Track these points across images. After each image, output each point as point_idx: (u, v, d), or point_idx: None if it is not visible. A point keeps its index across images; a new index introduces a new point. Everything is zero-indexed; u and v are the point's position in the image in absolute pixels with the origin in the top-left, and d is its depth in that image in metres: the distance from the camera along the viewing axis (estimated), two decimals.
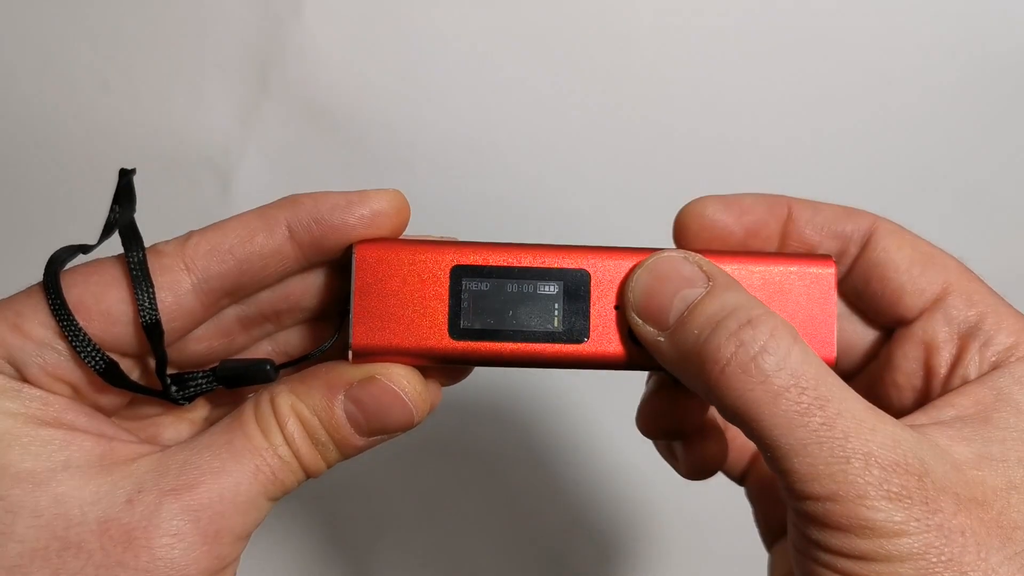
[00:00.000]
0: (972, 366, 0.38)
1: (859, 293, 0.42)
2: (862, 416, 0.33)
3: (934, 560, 0.31)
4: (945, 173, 0.70)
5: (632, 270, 0.39)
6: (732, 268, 0.39)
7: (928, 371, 0.40)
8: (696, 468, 0.46)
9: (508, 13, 0.68)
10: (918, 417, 0.36)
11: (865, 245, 0.42)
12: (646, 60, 0.69)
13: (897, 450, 0.32)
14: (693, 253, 0.39)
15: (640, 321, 0.38)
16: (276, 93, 0.69)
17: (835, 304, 0.40)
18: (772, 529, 0.48)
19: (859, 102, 0.69)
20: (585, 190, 0.70)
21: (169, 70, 0.68)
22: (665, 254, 0.39)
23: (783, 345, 0.34)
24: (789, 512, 0.35)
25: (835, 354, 0.40)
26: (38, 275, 0.36)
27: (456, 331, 0.39)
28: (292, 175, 0.69)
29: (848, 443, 0.32)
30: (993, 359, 0.38)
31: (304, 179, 0.67)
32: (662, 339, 0.37)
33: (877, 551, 0.31)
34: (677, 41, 0.69)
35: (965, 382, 0.38)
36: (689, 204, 0.43)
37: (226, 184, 0.69)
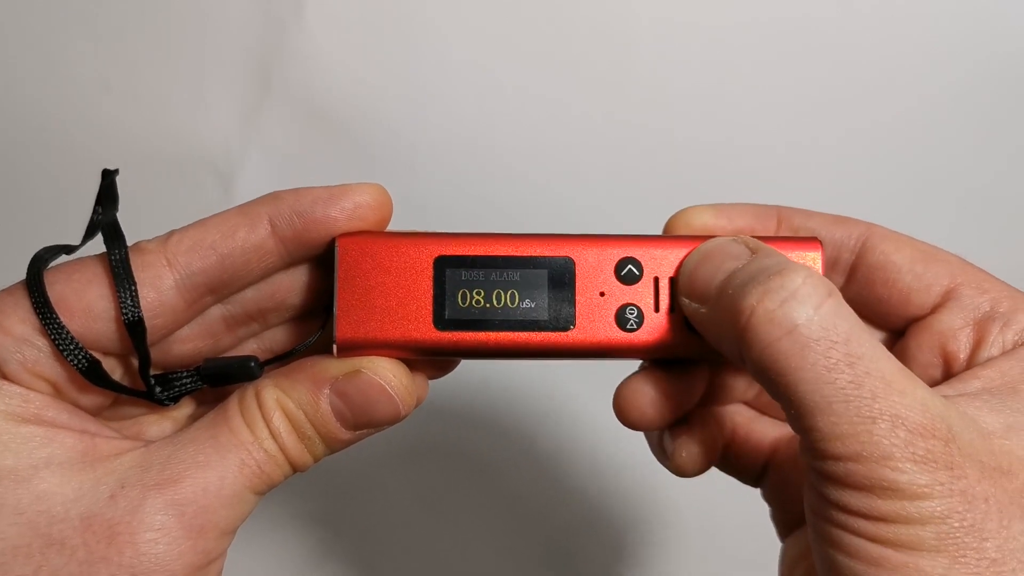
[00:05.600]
0: (995, 347, 0.38)
1: (864, 299, 0.42)
2: (892, 377, 0.32)
3: (956, 525, 0.31)
4: (946, 177, 0.70)
5: (621, 260, 0.39)
6: None
7: (946, 358, 0.40)
8: (685, 461, 0.44)
9: (507, 16, 0.68)
10: (943, 389, 0.36)
11: (862, 251, 0.42)
12: (642, 63, 0.69)
13: (926, 414, 0.32)
14: (744, 235, 0.39)
15: (687, 300, 0.38)
16: (277, 95, 0.69)
17: None
18: (788, 524, 0.47)
19: (859, 107, 0.69)
20: (586, 193, 0.70)
21: (171, 72, 0.69)
22: (716, 238, 0.39)
23: (815, 295, 0.33)
24: (807, 473, 0.34)
25: None
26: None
27: (441, 322, 0.39)
28: (293, 177, 0.69)
29: (875, 403, 0.31)
30: (1016, 338, 0.38)
31: (305, 181, 0.66)
32: (704, 310, 0.37)
33: (898, 513, 0.31)
34: (675, 43, 0.69)
35: (989, 360, 0.38)
36: (678, 212, 0.43)
37: (227, 186, 0.69)
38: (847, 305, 0.34)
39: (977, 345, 0.39)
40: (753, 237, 0.41)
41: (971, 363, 0.39)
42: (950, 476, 0.31)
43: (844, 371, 0.32)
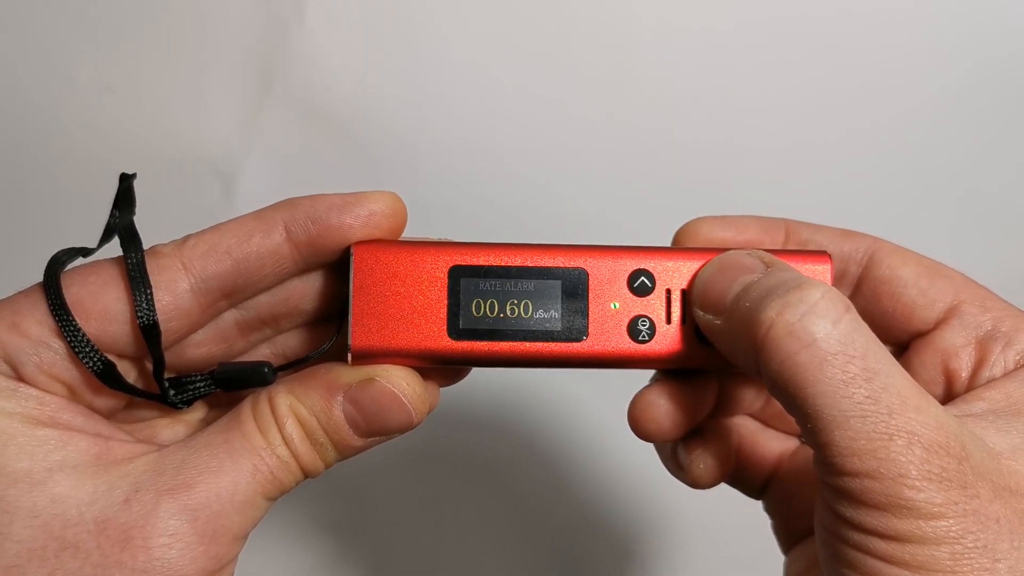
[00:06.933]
0: (997, 367, 0.39)
1: (869, 313, 0.42)
2: (908, 394, 0.32)
3: (970, 545, 0.31)
4: (947, 177, 0.70)
5: (634, 272, 0.40)
6: None
7: (948, 376, 0.40)
8: (702, 473, 0.45)
9: (509, 17, 0.69)
10: (948, 410, 0.36)
11: (869, 265, 0.42)
12: (646, 65, 0.69)
13: (940, 432, 0.32)
14: (756, 250, 0.39)
15: (701, 312, 0.38)
16: (279, 97, 0.69)
17: None
18: (791, 536, 0.47)
19: (859, 108, 0.69)
20: (586, 194, 0.70)
21: (172, 73, 0.69)
22: (731, 251, 0.39)
23: (834, 310, 0.33)
24: (821, 489, 0.34)
25: None
26: (40, 278, 0.36)
27: (455, 331, 0.39)
28: (295, 178, 0.69)
29: (892, 420, 0.32)
30: (1017, 358, 0.39)
31: (307, 182, 0.67)
32: (719, 322, 0.37)
33: (913, 532, 0.31)
34: (676, 44, 0.69)
35: (991, 381, 0.39)
36: (686, 224, 0.44)
37: (228, 187, 0.69)
38: (863, 321, 0.34)
39: (979, 364, 0.40)
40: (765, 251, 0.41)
41: (973, 382, 0.40)
42: (964, 495, 0.31)
43: (861, 385, 0.32)
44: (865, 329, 0.34)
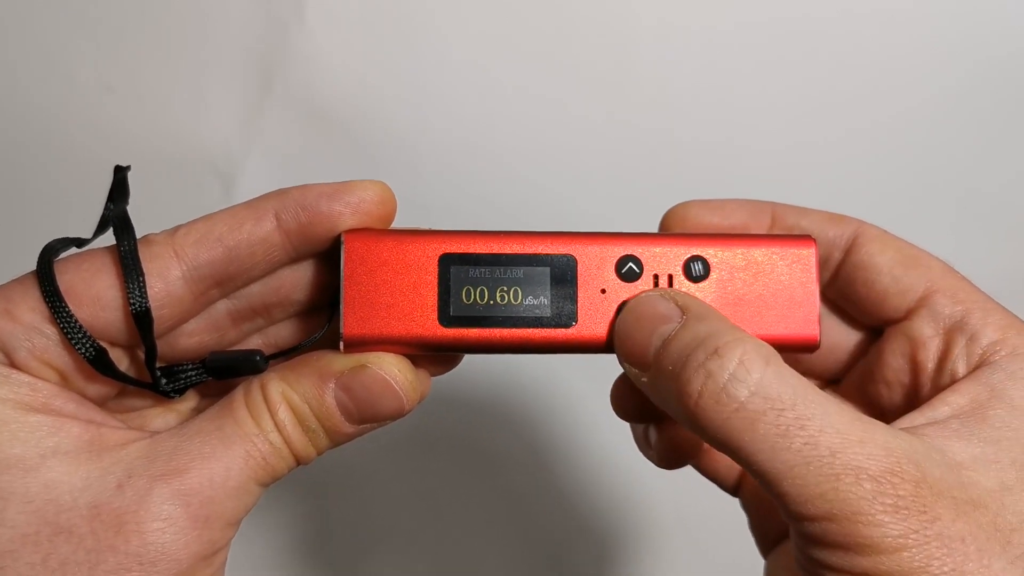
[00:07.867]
0: (960, 361, 0.38)
1: (845, 296, 0.42)
2: (848, 429, 0.32)
3: (937, 572, 0.31)
4: (947, 178, 0.70)
5: (621, 258, 0.40)
6: (715, 250, 0.40)
7: (915, 366, 0.40)
8: (667, 454, 0.45)
9: (509, 17, 0.69)
10: (914, 417, 0.36)
11: (850, 249, 0.42)
12: (646, 65, 0.70)
13: (890, 458, 0.32)
14: (671, 289, 0.39)
15: (627, 364, 0.38)
16: (279, 96, 0.69)
17: (817, 284, 0.40)
18: (768, 537, 0.47)
19: (859, 107, 0.70)
20: (586, 194, 0.70)
21: (172, 73, 0.69)
22: (644, 294, 0.39)
23: (754, 369, 0.33)
24: (791, 532, 0.34)
25: (818, 334, 0.40)
26: None
27: (446, 318, 0.39)
28: (295, 178, 0.68)
29: (836, 459, 0.32)
30: (980, 352, 0.38)
31: (306, 181, 0.67)
32: (645, 379, 0.37)
33: (879, 569, 0.31)
34: (676, 43, 0.69)
35: (954, 378, 0.38)
36: (674, 207, 0.44)
37: (228, 187, 0.69)
38: (787, 367, 0.34)
39: (943, 357, 0.39)
40: (748, 236, 0.41)
41: (938, 374, 0.39)
42: (923, 521, 0.31)
43: (797, 434, 0.32)
44: (790, 375, 0.34)
